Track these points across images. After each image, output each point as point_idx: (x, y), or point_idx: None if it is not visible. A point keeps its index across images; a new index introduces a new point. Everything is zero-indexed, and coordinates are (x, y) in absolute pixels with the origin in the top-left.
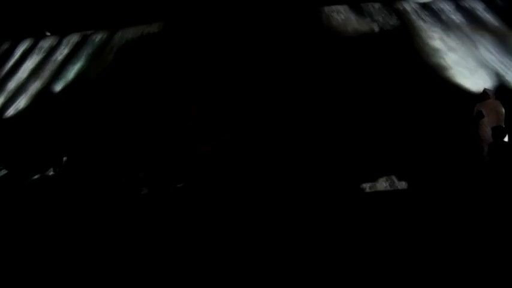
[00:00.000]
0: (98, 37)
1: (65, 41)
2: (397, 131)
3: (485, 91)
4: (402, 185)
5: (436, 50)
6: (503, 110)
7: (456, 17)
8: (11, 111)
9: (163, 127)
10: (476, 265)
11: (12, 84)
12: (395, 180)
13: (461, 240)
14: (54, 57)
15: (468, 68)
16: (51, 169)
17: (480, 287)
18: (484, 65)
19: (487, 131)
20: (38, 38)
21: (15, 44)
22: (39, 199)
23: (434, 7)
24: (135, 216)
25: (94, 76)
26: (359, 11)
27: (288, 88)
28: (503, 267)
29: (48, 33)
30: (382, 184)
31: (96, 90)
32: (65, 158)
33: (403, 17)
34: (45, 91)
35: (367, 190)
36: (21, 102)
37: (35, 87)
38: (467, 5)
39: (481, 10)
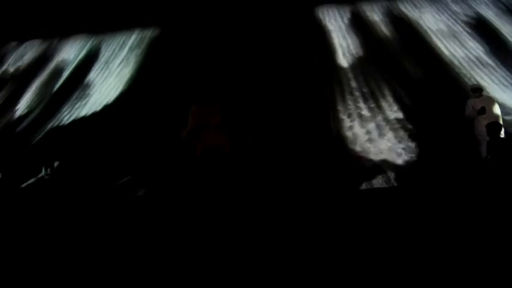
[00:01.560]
0: (90, 40)
1: (58, 44)
2: (392, 128)
3: (478, 86)
4: (398, 181)
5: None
6: (497, 105)
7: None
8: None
9: (161, 128)
10: (474, 262)
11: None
12: (391, 177)
13: (459, 236)
14: (46, 61)
15: (463, 64)
16: (43, 172)
17: (479, 285)
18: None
19: (483, 126)
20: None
21: (7, 46)
22: (34, 202)
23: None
24: (131, 218)
25: (89, 79)
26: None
27: (285, 88)
28: (502, 265)
29: (41, 36)
30: (378, 181)
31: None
32: (56, 163)
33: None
34: (42, 94)
35: (363, 187)
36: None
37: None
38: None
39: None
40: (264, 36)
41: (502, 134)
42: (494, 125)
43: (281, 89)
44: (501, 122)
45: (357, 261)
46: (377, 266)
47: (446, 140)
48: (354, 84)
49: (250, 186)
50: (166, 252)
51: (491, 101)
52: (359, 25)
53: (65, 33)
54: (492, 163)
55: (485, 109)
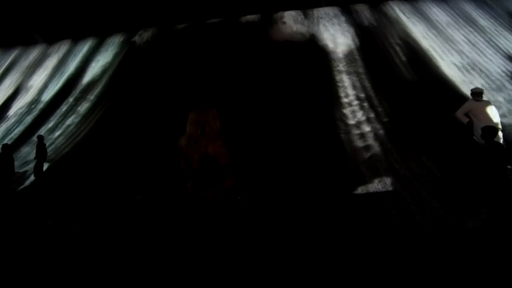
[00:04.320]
0: (87, 44)
1: (54, 48)
2: (392, 132)
3: (479, 91)
4: (394, 186)
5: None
6: (495, 110)
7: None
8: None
9: (158, 134)
10: (472, 262)
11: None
12: (388, 181)
13: (456, 239)
14: (44, 64)
15: (460, 66)
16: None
17: (476, 285)
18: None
19: (479, 131)
20: (27, 45)
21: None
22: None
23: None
24: (128, 223)
25: (86, 82)
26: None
27: (283, 93)
28: (500, 264)
29: (40, 40)
30: (374, 185)
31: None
32: (46, 166)
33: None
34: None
35: (360, 191)
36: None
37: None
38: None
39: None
40: (265, 41)
41: (501, 138)
42: (489, 129)
43: (279, 95)
44: (500, 126)
45: (352, 262)
46: (369, 266)
47: (444, 143)
48: (350, 92)
49: (249, 190)
50: (164, 254)
51: (490, 105)
52: (355, 29)
53: (56, 37)
54: (486, 166)
55: (472, 122)
